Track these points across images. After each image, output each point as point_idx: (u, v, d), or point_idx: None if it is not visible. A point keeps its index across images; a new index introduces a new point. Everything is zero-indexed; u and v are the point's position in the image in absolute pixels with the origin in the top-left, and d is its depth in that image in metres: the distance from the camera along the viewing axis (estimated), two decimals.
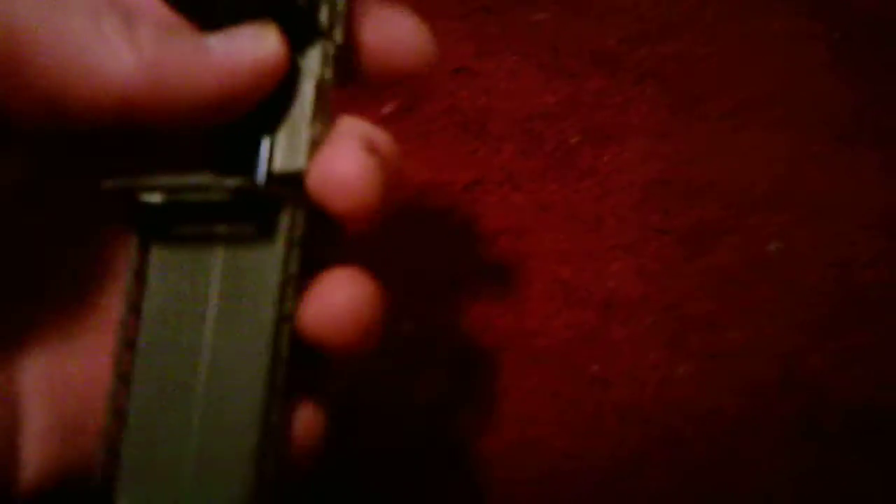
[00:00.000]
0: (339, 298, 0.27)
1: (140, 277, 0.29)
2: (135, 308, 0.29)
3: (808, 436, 0.51)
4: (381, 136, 0.35)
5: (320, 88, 0.30)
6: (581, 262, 0.59)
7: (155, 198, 0.28)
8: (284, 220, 0.28)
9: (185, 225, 0.29)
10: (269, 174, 0.29)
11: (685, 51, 0.73)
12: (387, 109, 0.68)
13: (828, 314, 0.57)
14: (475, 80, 0.71)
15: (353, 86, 0.37)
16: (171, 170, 0.28)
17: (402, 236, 0.60)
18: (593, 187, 0.64)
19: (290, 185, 0.29)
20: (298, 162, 0.29)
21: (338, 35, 0.32)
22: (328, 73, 0.32)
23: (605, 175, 0.65)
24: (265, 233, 0.28)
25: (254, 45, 0.28)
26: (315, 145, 0.30)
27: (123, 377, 0.29)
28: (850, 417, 0.52)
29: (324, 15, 0.32)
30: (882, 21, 0.77)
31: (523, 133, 0.68)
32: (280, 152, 0.30)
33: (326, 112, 0.33)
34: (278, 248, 0.28)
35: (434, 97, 0.69)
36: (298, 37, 0.31)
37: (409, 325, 0.55)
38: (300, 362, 0.29)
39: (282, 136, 0.30)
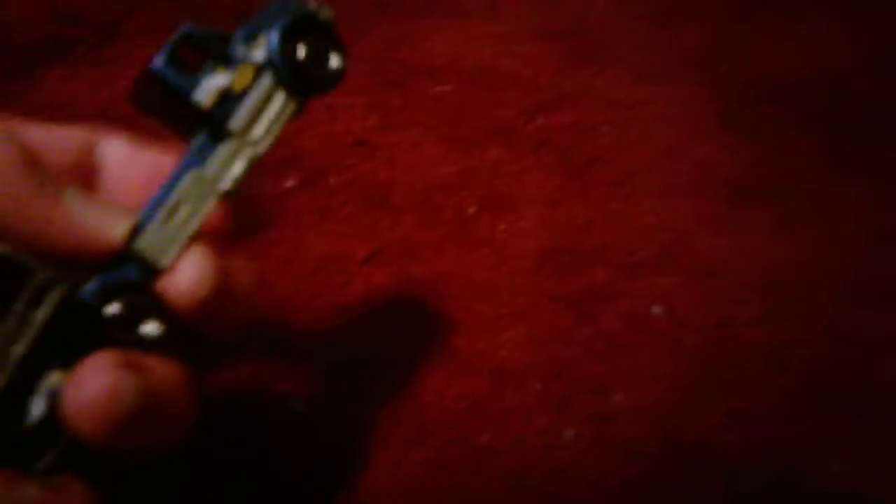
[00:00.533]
0: (89, 387, 0.28)
1: None
2: None
3: (692, 502, 0.53)
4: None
5: None
6: (475, 332, 0.61)
7: None
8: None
9: None
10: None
11: (580, 119, 0.76)
12: (289, 184, 0.70)
13: (710, 376, 0.58)
14: (377, 152, 0.73)
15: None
16: None
17: (295, 311, 0.61)
18: (489, 256, 0.66)
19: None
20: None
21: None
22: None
23: (500, 243, 0.67)
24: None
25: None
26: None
27: None
28: (734, 480, 0.53)
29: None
30: (771, 83, 0.81)
31: (423, 204, 0.70)
32: None
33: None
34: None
35: (336, 170, 0.71)
36: None
37: (300, 402, 0.55)
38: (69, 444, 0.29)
39: None
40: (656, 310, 0.62)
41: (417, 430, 0.55)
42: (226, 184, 0.35)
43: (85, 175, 0.35)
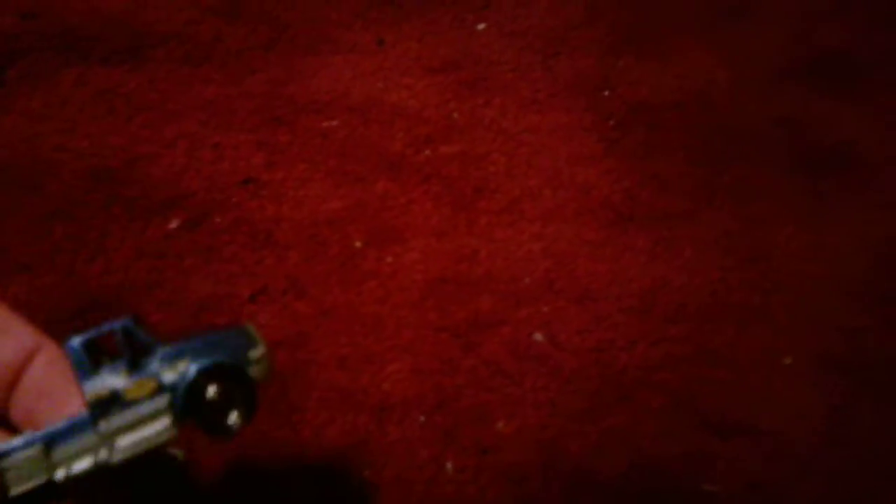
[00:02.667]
0: None
1: None
2: None
3: None
4: None
5: None
6: (359, 366, 0.61)
7: None
8: None
9: None
10: None
11: (466, 150, 0.78)
12: (173, 225, 0.69)
13: (588, 399, 0.60)
14: (264, 189, 0.73)
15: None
16: None
17: None
18: (375, 289, 0.67)
19: None
20: None
21: None
22: None
23: (386, 276, 0.68)
24: None
25: None
26: None
27: None
28: (607, 498, 0.55)
29: None
30: (651, 108, 0.83)
31: (309, 239, 0.70)
32: None
33: None
34: None
35: (222, 209, 0.71)
36: None
37: (178, 451, 0.55)
38: None
39: None
40: (538, 336, 0.64)
41: (300, 470, 0.55)
42: (60, 473, 0.36)
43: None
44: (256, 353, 0.38)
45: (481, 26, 0.90)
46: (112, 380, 0.36)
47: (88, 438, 0.36)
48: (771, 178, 0.77)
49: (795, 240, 0.71)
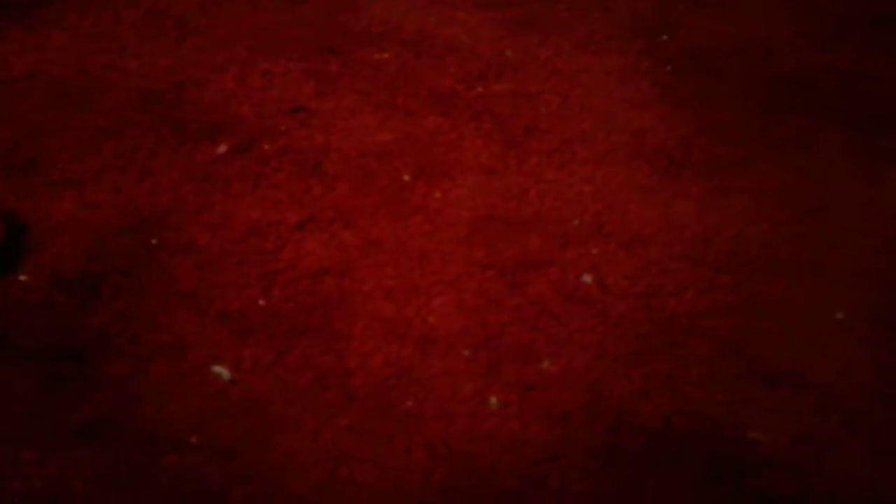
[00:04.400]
0: None
1: None
2: None
3: (610, 463, 0.53)
4: None
5: None
6: (404, 299, 0.61)
7: None
8: None
9: None
10: None
11: (519, 88, 0.76)
12: (221, 149, 0.69)
13: (634, 343, 0.59)
14: (313, 119, 0.73)
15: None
16: None
17: (223, 274, 0.61)
18: (422, 224, 0.66)
19: None
20: None
21: None
22: None
23: (434, 211, 0.67)
24: None
25: None
26: None
27: None
28: (649, 440, 0.54)
29: None
30: (709, 54, 0.81)
31: (358, 171, 0.69)
32: None
33: None
34: None
35: (270, 136, 0.70)
36: None
37: (222, 370, 0.55)
38: None
39: None
40: (586, 278, 0.63)
41: (343, 396, 0.56)
42: None
43: None
44: None
45: None
46: None
47: None
48: (829, 132, 0.74)
49: (850, 196, 0.69)
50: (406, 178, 0.69)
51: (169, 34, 0.76)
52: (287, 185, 0.67)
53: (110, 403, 0.52)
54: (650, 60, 0.80)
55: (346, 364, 0.57)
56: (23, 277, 0.57)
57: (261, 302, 0.60)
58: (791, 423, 0.55)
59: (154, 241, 0.61)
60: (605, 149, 0.73)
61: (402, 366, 0.57)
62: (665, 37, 0.81)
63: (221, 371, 0.55)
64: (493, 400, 0.56)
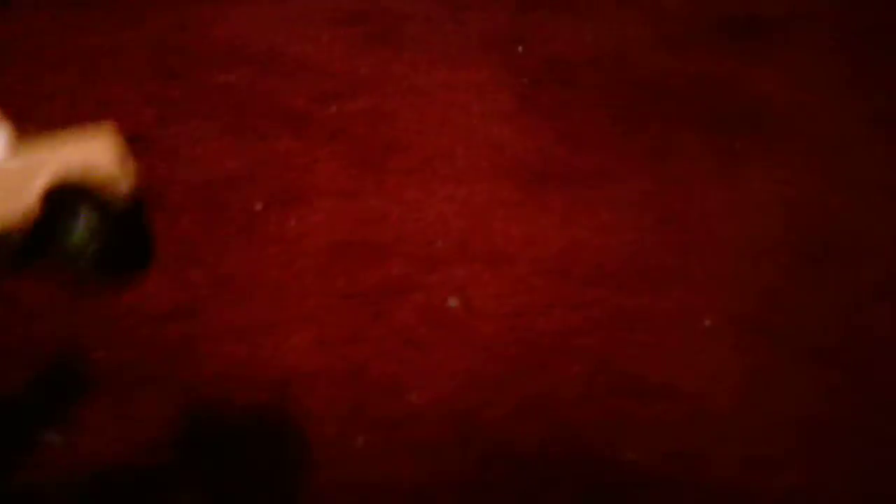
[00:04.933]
0: None
1: None
2: None
3: (482, 498, 0.51)
4: None
5: None
6: (259, 338, 0.57)
7: None
8: None
9: None
10: None
11: (375, 106, 0.73)
12: None
13: (504, 367, 0.57)
14: (153, 147, 0.67)
15: None
16: None
17: (59, 324, 0.55)
18: (277, 255, 0.62)
19: None
20: None
21: None
22: None
23: (290, 240, 0.63)
24: None
25: None
26: None
27: None
28: (523, 470, 0.52)
29: None
30: (565, 62, 0.81)
31: (204, 202, 0.64)
32: None
33: None
34: None
35: None
36: None
37: (55, 435, 0.50)
38: None
39: None
40: (452, 302, 0.60)
41: (197, 453, 0.51)
42: None
43: None
44: None
45: None
46: None
47: None
48: (686, 137, 0.75)
49: (710, 199, 0.70)
50: (258, 206, 0.65)
51: None
52: None
53: None
54: (507, 73, 0.79)
55: (195, 416, 0.52)
56: None
57: (99, 353, 0.55)
58: (665, 438, 0.54)
59: None
60: (465, 165, 0.71)
61: (258, 411, 0.53)
62: (520, 48, 0.80)
63: (54, 438, 0.50)
64: (360, 440, 0.53)
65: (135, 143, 0.68)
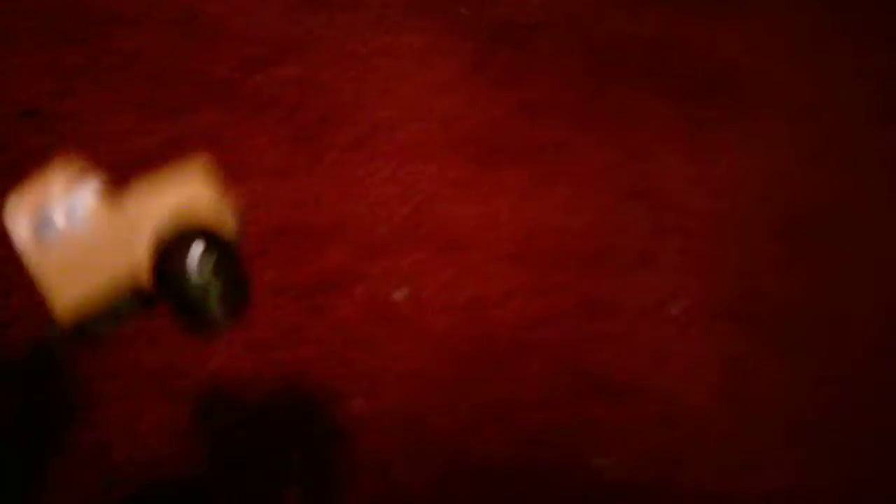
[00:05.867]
0: None
1: None
2: None
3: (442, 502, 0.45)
4: None
5: None
6: (176, 343, 0.50)
7: None
8: None
9: None
10: None
11: (307, 74, 0.66)
12: None
13: (458, 367, 0.51)
14: (53, 124, 0.59)
15: None
16: None
17: None
18: None
19: None
20: None
21: None
22: None
23: None
24: None
25: None
26: None
27: None
28: (482, 484, 0.46)
29: None
30: (515, 26, 0.74)
31: (109, 185, 0.56)
32: None
33: None
34: None
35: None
36: None
37: None
38: None
39: None
40: (399, 294, 0.54)
41: (108, 472, 0.44)
42: None
43: None
44: None
45: None
46: None
47: None
48: (648, 105, 0.70)
49: (677, 173, 0.65)
50: None
51: None
52: None
53: None
54: (451, 38, 0.72)
55: (101, 437, 0.45)
56: None
57: None
58: (637, 441, 0.49)
59: None
60: (410, 140, 0.64)
61: (175, 429, 0.46)
62: (464, 9, 0.73)
63: None
64: (296, 456, 0.46)
65: (29, 118, 0.60)
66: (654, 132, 0.67)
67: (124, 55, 0.64)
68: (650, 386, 0.51)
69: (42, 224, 0.28)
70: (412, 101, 0.67)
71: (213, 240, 0.32)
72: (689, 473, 0.48)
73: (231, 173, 0.59)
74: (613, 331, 0.54)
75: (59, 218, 0.28)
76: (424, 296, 0.54)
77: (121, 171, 0.58)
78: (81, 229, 0.28)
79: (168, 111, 0.62)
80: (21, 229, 0.28)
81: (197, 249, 0.32)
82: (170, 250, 0.31)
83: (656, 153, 0.66)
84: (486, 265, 0.56)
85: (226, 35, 0.67)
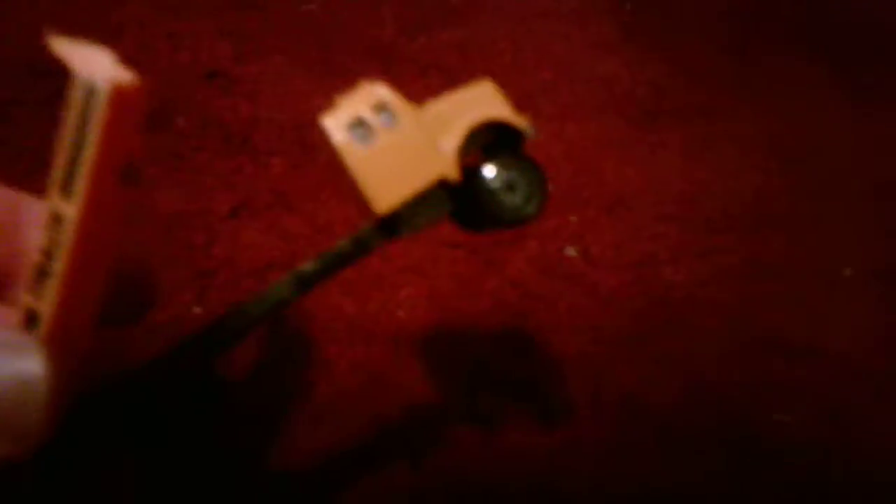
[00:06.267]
0: None
1: None
2: None
3: (623, 458, 0.47)
4: None
5: None
6: (367, 292, 0.52)
7: None
8: None
9: None
10: None
11: (468, 38, 0.67)
12: None
13: (632, 322, 0.52)
14: (234, 86, 0.62)
15: None
16: None
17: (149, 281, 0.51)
18: None
19: None
20: None
21: None
22: None
23: None
24: None
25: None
26: None
27: None
28: (664, 433, 0.48)
29: None
30: None
31: (293, 144, 0.59)
32: None
33: None
34: None
35: (185, 109, 0.59)
36: None
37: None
38: None
39: None
40: (570, 251, 0.55)
41: (307, 416, 0.47)
42: None
43: None
44: None
45: None
46: None
47: None
48: (807, 70, 0.69)
49: (840, 138, 0.64)
50: None
51: None
52: (212, 165, 0.57)
53: None
54: (606, 1, 0.72)
55: (307, 374, 0.48)
56: None
57: (196, 310, 0.50)
58: (817, 399, 0.49)
59: None
60: (570, 101, 0.65)
61: (371, 370, 0.49)
62: None
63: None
64: (484, 402, 0.49)
65: (212, 79, 0.63)
66: (811, 99, 0.66)
67: (296, 20, 0.67)
68: (826, 346, 0.52)
69: (356, 125, 0.30)
70: (571, 62, 0.67)
71: (516, 135, 0.33)
72: (871, 432, 0.48)
73: None
74: (786, 291, 0.54)
75: (372, 120, 0.30)
76: (594, 253, 0.56)
77: (302, 131, 0.62)
78: (392, 129, 0.30)
79: (339, 73, 0.64)
80: (337, 131, 0.30)
81: (504, 143, 0.33)
82: (477, 144, 0.32)
83: (815, 119, 0.65)
84: (653, 225, 0.57)
85: (389, 0, 0.69)
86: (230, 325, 0.31)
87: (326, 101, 0.66)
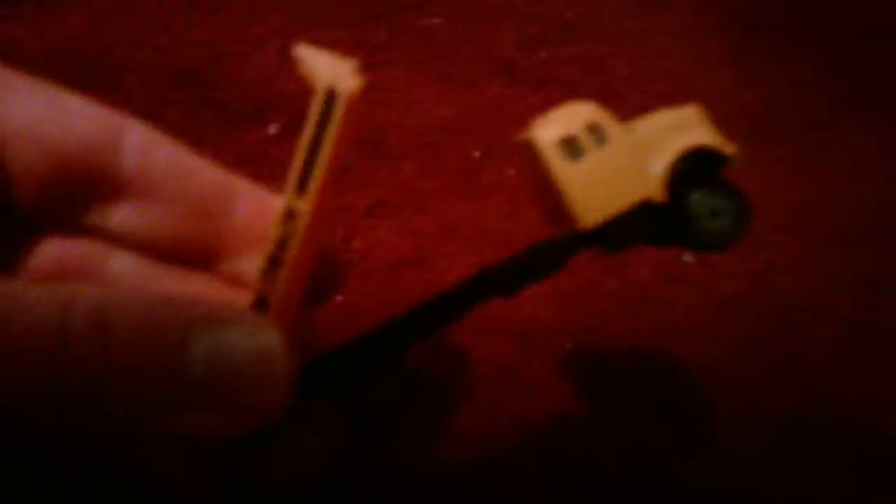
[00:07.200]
0: None
1: None
2: None
3: (740, 452, 0.49)
4: None
5: None
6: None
7: None
8: None
9: None
10: None
11: (585, 52, 0.70)
12: (271, 130, 0.62)
13: (748, 327, 0.54)
14: (368, 93, 0.66)
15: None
16: None
17: None
18: (501, 204, 0.61)
19: None
20: None
21: None
22: None
23: (512, 190, 0.61)
24: None
25: None
26: None
27: None
28: (781, 436, 0.50)
29: None
30: (781, 5, 0.76)
31: (423, 149, 0.63)
32: None
33: None
34: None
35: None
36: None
37: None
38: None
39: None
40: (687, 257, 0.58)
41: (442, 402, 0.50)
42: None
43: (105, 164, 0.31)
44: None
45: None
46: None
47: None
48: None
49: None
50: (476, 154, 0.63)
51: (200, 5, 0.69)
52: (349, 166, 0.61)
53: None
54: (718, 15, 0.74)
55: (439, 365, 0.52)
56: None
57: (337, 297, 0.54)
58: None
59: None
60: None
61: (502, 364, 0.52)
62: None
63: None
64: (603, 396, 0.51)
65: None
66: None
67: (421, 33, 0.71)
68: None
69: (567, 142, 0.32)
70: (684, 77, 0.70)
71: (717, 159, 0.33)
72: None
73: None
74: None
75: (583, 137, 0.32)
76: (711, 259, 0.58)
77: (430, 137, 0.65)
78: (603, 147, 0.32)
79: (462, 84, 0.68)
80: (549, 145, 0.32)
81: (703, 166, 0.33)
82: (685, 168, 0.32)
83: None
84: (768, 235, 0.59)
85: (508, 16, 0.73)
86: (433, 315, 0.32)
87: (448, 110, 0.70)
